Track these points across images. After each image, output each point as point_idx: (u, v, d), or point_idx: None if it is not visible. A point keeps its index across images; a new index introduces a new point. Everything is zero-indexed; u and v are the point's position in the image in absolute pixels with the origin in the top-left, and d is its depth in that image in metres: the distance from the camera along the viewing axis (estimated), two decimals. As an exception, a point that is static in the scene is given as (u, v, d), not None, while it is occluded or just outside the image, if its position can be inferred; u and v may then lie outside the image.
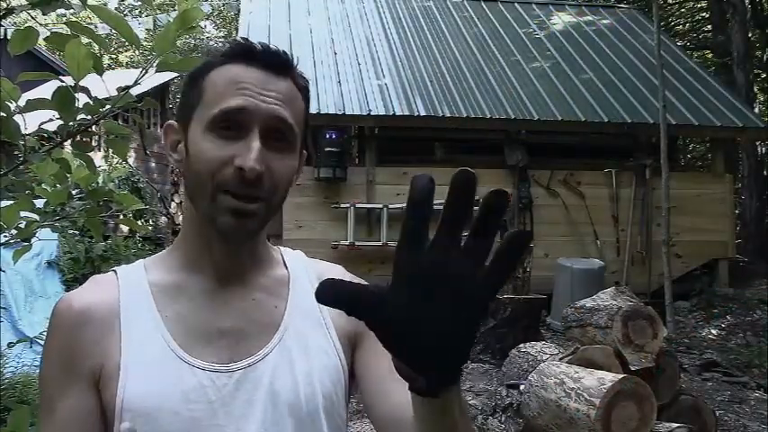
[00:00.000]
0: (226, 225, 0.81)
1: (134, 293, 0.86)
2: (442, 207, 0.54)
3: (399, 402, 0.74)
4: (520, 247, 0.53)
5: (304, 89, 0.88)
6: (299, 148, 0.87)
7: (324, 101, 7.60)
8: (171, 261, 0.90)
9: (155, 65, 1.12)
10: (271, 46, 0.86)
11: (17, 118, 1.19)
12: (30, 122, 1.24)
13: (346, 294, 0.53)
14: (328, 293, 0.53)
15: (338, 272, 0.97)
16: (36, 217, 1.40)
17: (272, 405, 0.82)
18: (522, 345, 4.61)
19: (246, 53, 0.84)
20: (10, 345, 2.08)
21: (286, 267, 0.94)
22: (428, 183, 0.53)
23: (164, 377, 0.80)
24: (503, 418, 3.96)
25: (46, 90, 1.19)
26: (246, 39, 0.87)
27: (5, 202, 1.37)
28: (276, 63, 0.84)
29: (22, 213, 1.38)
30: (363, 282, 0.62)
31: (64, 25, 1.19)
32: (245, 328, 0.86)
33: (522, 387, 3.86)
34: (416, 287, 0.52)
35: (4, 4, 1.38)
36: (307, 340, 0.88)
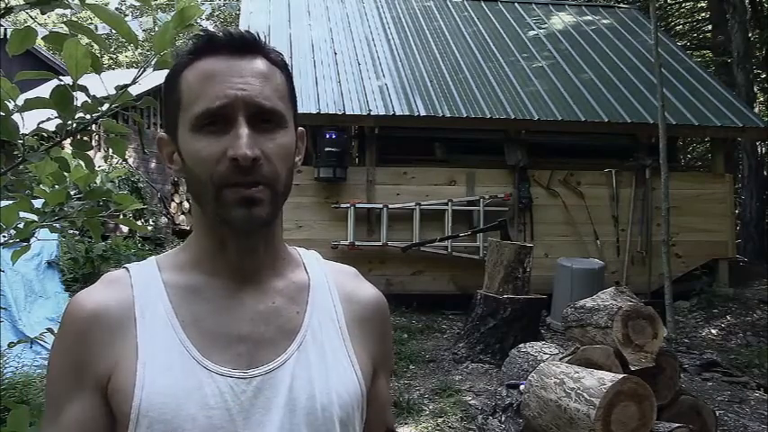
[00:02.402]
0: (237, 217, 0.80)
1: (149, 294, 0.85)
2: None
3: None
4: None
5: (280, 63, 0.86)
6: (290, 123, 0.86)
7: (324, 101, 7.59)
8: (184, 260, 0.89)
9: (153, 63, 1.11)
10: (234, 29, 0.84)
11: (16, 117, 1.18)
12: (29, 122, 1.24)
13: None
14: None
15: (352, 274, 0.98)
16: (35, 217, 1.40)
17: (290, 413, 0.82)
18: (522, 345, 4.60)
19: (211, 44, 0.82)
20: (10, 345, 2.07)
21: (306, 271, 0.93)
22: None
23: (183, 382, 0.79)
24: (503, 418, 3.95)
25: (46, 90, 1.19)
26: (207, 30, 0.85)
27: (5, 202, 1.37)
28: (243, 45, 0.82)
29: (21, 214, 1.37)
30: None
31: (63, 25, 1.19)
32: (264, 334, 0.85)
33: (522, 387, 3.85)
34: None
35: (3, 4, 1.37)
36: (325, 349, 0.87)
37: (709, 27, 14.96)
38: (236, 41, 0.82)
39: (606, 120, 7.82)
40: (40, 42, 1.29)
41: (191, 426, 0.78)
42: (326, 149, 7.19)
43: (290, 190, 0.86)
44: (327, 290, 0.92)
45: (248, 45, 0.83)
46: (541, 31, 10.01)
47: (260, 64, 0.83)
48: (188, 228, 11.56)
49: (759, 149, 12.75)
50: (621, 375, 3.09)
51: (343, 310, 0.91)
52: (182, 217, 12.98)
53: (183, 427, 0.78)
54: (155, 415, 0.77)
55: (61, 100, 1.14)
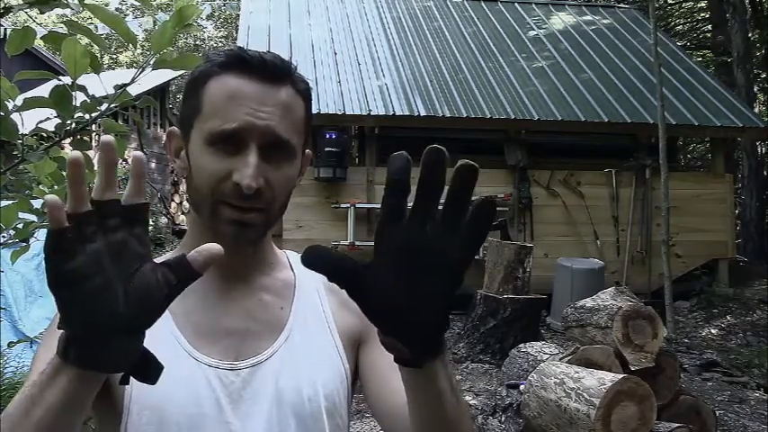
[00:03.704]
0: (228, 234, 0.83)
1: None
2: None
3: (402, 396, 0.76)
4: (488, 213, 0.57)
5: (304, 92, 0.87)
6: (299, 154, 0.88)
7: (324, 101, 7.60)
8: None
9: (151, 63, 1.11)
10: (267, 54, 0.85)
11: (15, 117, 1.18)
12: (29, 122, 1.24)
13: (331, 261, 0.56)
14: (314, 259, 0.56)
15: None
16: (34, 218, 1.40)
17: (277, 404, 0.84)
18: (522, 345, 4.60)
19: (242, 63, 0.83)
20: (10, 345, 2.07)
21: (292, 270, 0.96)
22: (405, 162, 0.56)
23: (173, 373, 0.80)
24: (503, 418, 3.95)
25: (45, 90, 1.19)
26: (242, 48, 0.86)
27: (4, 203, 1.37)
28: (273, 73, 0.83)
29: (21, 214, 1.37)
30: None
31: (62, 24, 1.19)
32: (250, 328, 0.87)
33: (522, 387, 3.86)
34: (397, 259, 0.56)
35: (3, 4, 1.37)
36: (311, 341, 0.89)
37: (710, 27, 14.96)
38: (268, 67, 0.83)
39: (606, 120, 7.81)
40: (39, 42, 1.29)
41: (179, 414, 0.80)
42: (326, 149, 7.19)
43: (283, 212, 0.89)
44: (313, 285, 0.94)
45: (278, 73, 0.84)
46: (541, 31, 10.01)
47: (285, 94, 0.84)
48: (187, 228, 11.52)
49: (759, 149, 12.74)
50: (621, 375, 3.09)
51: (328, 301, 0.94)
52: (182, 217, 12.98)
53: (172, 415, 0.80)
54: (144, 402, 0.79)
55: (60, 100, 1.15)
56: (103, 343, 0.58)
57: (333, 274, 0.56)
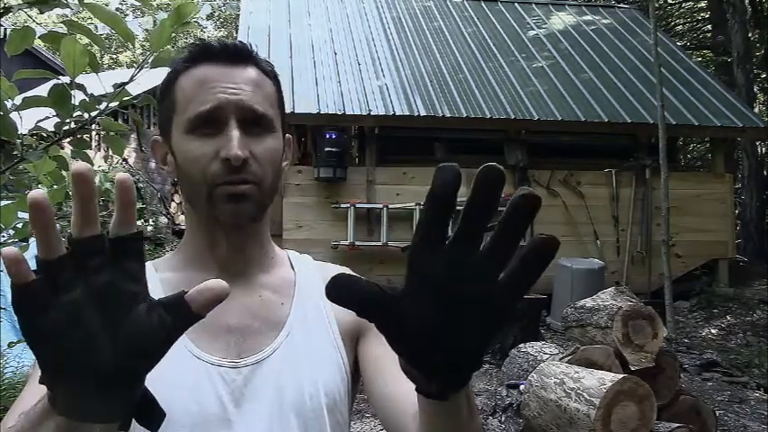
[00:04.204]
0: (225, 212, 0.84)
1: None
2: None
3: (398, 389, 0.76)
4: (546, 255, 0.50)
5: (271, 72, 0.91)
6: (279, 129, 0.89)
7: (324, 101, 7.60)
8: (177, 261, 0.93)
9: (150, 61, 1.11)
10: (228, 40, 0.89)
11: (14, 116, 1.18)
12: (28, 121, 1.24)
13: (358, 294, 0.50)
14: (339, 291, 0.49)
15: (342, 268, 0.99)
16: (34, 217, 1.40)
17: (279, 401, 0.84)
18: (522, 345, 4.60)
19: (205, 53, 0.86)
20: (10, 345, 2.07)
21: (292, 268, 0.96)
22: (455, 176, 0.48)
23: (175, 371, 0.81)
24: (503, 418, 3.95)
25: (45, 90, 1.19)
26: (203, 40, 0.91)
27: (4, 202, 1.37)
28: (236, 54, 0.87)
29: (20, 214, 1.37)
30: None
31: (62, 24, 1.19)
32: (251, 325, 0.88)
33: (522, 387, 3.85)
34: (431, 291, 0.49)
35: (3, 3, 1.37)
36: (311, 339, 0.89)
37: (710, 27, 14.95)
38: (230, 50, 0.87)
39: (606, 120, 7.82)
40: (39, 42, 1.29)
41: (182, 413, 0.80)
42: (326, 149, 7.19)
43: (276, 192, 0.90)
44: (313, 282, 0.94)
45: (241, 54, 0.87)
46: (541, 31, 10.01)
47: (252, 72, 0.87)
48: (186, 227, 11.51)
49: (759, 149, 12.73)
50: (621, 375, 3.09)
51: None
52: (182, 217, 12.98)
53: (175, 415, 0.79)
54: None
55: (59, 99, 1.14)
56: (92, 396, 0.51)
57: (363, 310, 0.50)
